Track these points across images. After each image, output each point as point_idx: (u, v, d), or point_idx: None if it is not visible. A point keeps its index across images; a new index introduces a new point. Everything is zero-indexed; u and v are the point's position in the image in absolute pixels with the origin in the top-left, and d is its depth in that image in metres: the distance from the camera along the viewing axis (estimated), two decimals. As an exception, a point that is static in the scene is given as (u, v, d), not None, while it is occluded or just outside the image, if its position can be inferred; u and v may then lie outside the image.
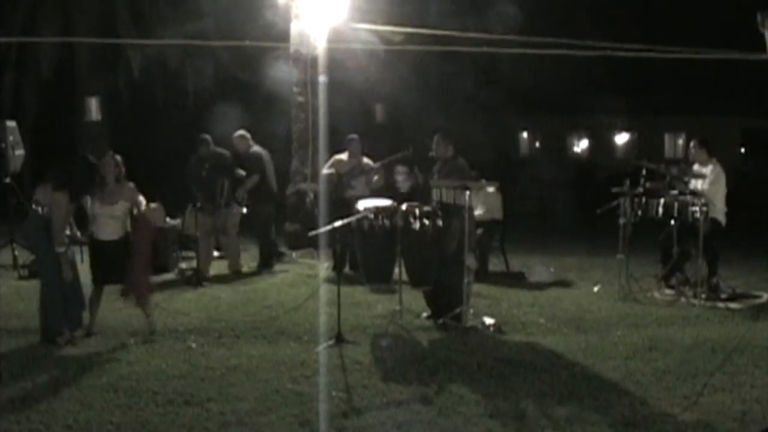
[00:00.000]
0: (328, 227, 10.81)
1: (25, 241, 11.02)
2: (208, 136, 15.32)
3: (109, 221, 10.38)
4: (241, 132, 15.77)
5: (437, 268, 10.92)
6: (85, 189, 10.32)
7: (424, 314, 11.24)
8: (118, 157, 10.54)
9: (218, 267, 15.23)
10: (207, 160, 15.05)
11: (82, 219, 10.69)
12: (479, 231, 14.35)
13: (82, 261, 10.93)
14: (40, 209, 10.11)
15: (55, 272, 10.05)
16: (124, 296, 10.81)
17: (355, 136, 15.19)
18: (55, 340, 10.00)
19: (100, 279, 10.61)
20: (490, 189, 13.91)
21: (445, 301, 10.98)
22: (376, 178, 14.20)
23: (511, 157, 42.23)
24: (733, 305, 12.22)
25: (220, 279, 14.34)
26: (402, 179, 12.22)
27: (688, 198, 12.55)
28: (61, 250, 9.96)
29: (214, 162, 15.04)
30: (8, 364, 9.13)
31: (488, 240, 14.80)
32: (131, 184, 10.56)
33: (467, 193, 10.81)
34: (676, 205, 12.56)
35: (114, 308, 11.70)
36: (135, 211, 10.49)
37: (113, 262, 10.46)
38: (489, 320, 10.83)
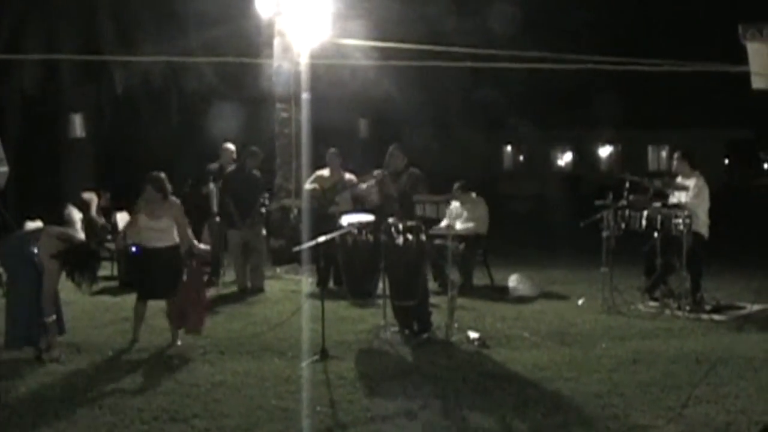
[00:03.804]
0: (312, 243, 10.83)
1: (6, 256, 10.97)
2: (258, 150, 15.26)
3: (154, 233, 10.71)
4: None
5: (422, 282, 10.97)
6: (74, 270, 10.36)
7: (393, 328, 11.20)
8: (162, 176, 10.84)
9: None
10: (248, 174, 15.02)
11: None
12: (462, 245, 14.36)
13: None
14: (35, 249, 10.10)
15: (25, 289, 10.11)
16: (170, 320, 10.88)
17: (334, 150, 15.19)
18: (16, 348, 10.11)
19: (144, 294, 10.88)
20: (471, 203, 14.03)
21: (423, 314, 11.05)
22: (364, 186, 14.05)
23: (494, 171, 42.35)
24: (717, 317, 12.24)
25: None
26: (371, 192, 12.30)
27: (672, 210, 12.57)
28: (50, 319, 10.03)
29: (253, 177, 15.00)
30: (-8, 382, 9.13)
31: (472, 254, 14.79)
32: (177, 201, 10.91)
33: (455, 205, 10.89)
34: (659, 217, 12.57)
35: (98, 325, 11.73)
36: (180, 235, 10.79)
37: (159, 274, 10.75)
38: (473, 334, 10.82)
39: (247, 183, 14.77)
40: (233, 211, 14.69)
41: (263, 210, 15.01)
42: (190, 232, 10.99)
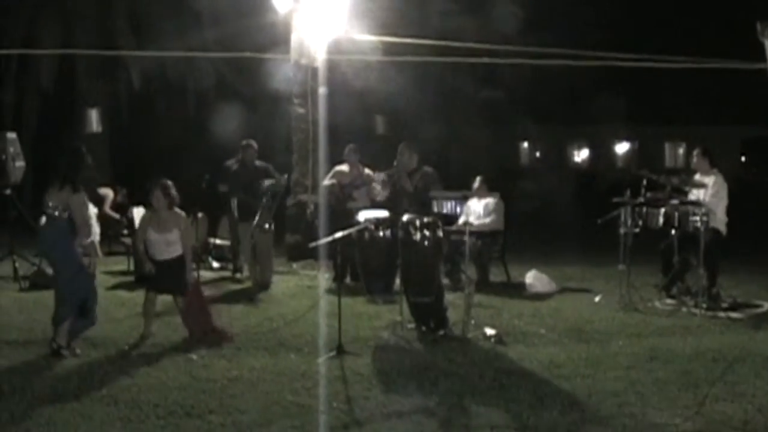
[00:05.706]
0: (329, 238, 10.80)
1: (46, 247, 10.73)
2: (253, 142, 15.27)
3: (164, 247, 10.80)
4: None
5: (438, 279, 10.96)
6: (86, 180, 10.40)
7: (410, 325, 11.17)
8: (169, 183, 10.88)
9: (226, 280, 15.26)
10: (250, 167, 15.04)
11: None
12: (480, 241, 14.34)
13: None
14: (56, 212, 10.07)
15: (73, 284, 10.04)
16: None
17: (352, 145, 15.19)
18: (59, 352, 9.94)
19: (153, 285, 10.92)
20: (488, 200, 13.98)
21: (439, 310, 11.01)
22: (377, 188, 14.05)
23: (510, 168, 42.25)
24: (734, 315, 12.19)
25: (221, 291, 14.31)
26: (379, 188, 12.27)
27: (689, 208, 12.54)
28: (89, 240, 10.07)
29: (259, 169, 15.03)
30: (8, 376, 9.11)
31: (489, 250, 14.76)
32: (183, 213, 10.98)
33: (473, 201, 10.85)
34: (676, 214, 12.54)
35: (114, 319, 11.72)
36: (184, 247, 10.87)
37: (169, 275, 10.80)
38: (490, 331, 10.80)
39: (252, 177, 14.78)
40: (236, 208, 14.76)
41: (264, 200, 14.91)
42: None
